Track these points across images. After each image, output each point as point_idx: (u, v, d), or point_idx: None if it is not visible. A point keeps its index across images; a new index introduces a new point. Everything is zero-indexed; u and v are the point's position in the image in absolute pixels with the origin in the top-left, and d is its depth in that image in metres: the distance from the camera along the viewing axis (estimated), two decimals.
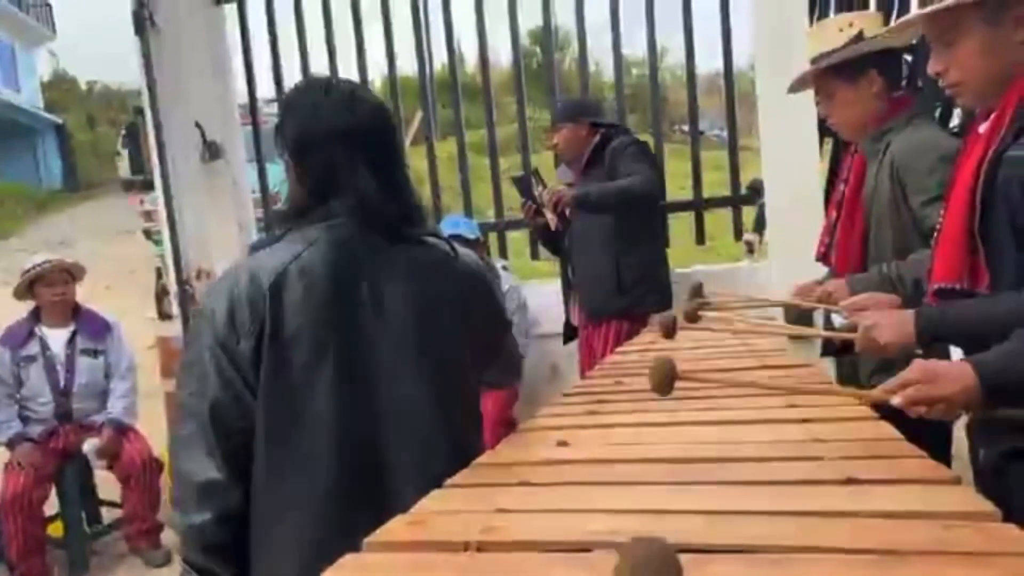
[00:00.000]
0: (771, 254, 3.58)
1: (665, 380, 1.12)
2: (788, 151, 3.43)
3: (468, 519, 0.91)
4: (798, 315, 2.60)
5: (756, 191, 3.76)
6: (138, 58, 3.70)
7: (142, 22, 3.63)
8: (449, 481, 1.07)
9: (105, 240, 11.50)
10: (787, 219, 3.41)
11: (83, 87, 24.33)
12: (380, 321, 1.20)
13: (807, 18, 3.36)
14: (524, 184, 3.20)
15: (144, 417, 3.71)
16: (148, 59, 3.65)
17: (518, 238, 4.27)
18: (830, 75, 1.90)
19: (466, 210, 4.09)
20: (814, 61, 1.92)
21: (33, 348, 3.36)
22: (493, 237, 4.25)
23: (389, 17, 3.96)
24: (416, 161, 4.42)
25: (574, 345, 3.66)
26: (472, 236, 3.38)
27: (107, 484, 3.64)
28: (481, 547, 0.84)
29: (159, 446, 3.80)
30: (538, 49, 13.56)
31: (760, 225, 3.85)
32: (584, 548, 0.83)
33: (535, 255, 4.15)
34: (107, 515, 3.73)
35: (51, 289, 3.40)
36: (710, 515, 0.89)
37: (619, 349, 2.24)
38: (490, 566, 0.82)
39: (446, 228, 3.38)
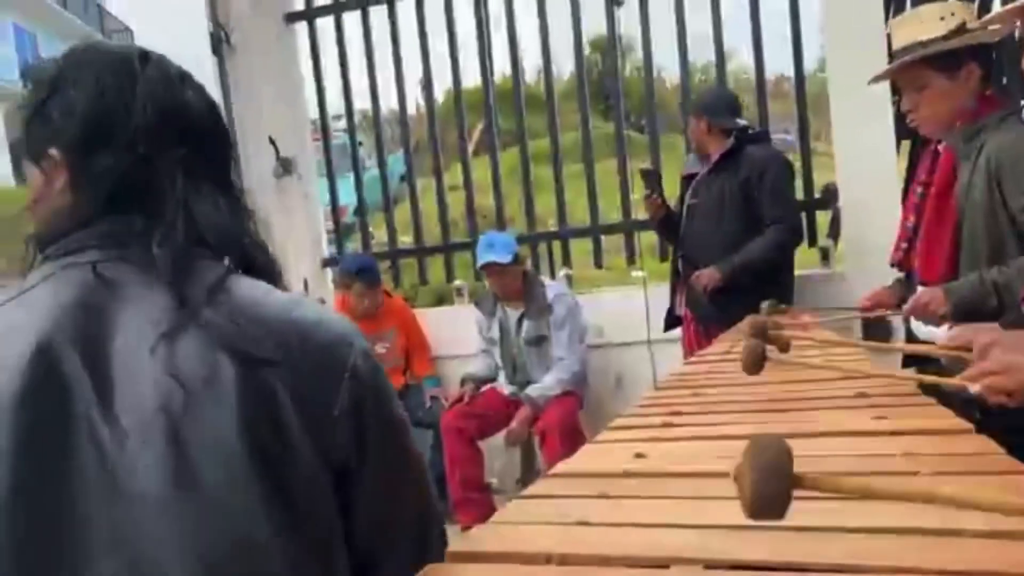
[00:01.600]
0: (846, 260, 3.47)
1: (755, 360, 1.07)
2: (863, 153, 3.32)
3: (549, 531, 0.90)
4: (874, 326, 2.50)
5: (830, 195, 3.64)
6: (214, 78, 3.86)
7: (218, 43, 3.79)
8: (528, 491, 1.06)
9: None
10: (863, 224, 3.30)
11: None
12: (112, 433, 0.67)
13: (882, 13, 3.25)
14: (652, 177, 3.18)
15: None
16: (224, 79, 3.80)
17: (581, 246, 4.26)
18: (924, 66, 1.81)
19: (528, 221, 4.10)
20: (904, 51, 1.83)
21: None
22: (557, 246, 4.25)
23: (454, 30, 4.01)
24: (479, 172, 4.48)
25: (641, 354, 3.62)
26: (506, 260, 3.32)
27: None
28: (563, 560, 0.83)
29: None
30: (599, 57, 13.51)
31: (835, 230, 3.73)
32: (663, 564, 0.82)
33: (598, 264, 4.12)
34: None
35: None
36: (798, 531, 0.86)
37: (691, 359, 2.20)
38: None
39: (480, 254, 3.36)
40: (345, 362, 0.76)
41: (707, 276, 2.95)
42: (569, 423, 3.22)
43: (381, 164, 4.40)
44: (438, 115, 4.35)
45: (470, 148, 4.49)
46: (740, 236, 2.95)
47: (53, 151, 0.79)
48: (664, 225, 3.29)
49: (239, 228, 0.84)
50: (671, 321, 3.34)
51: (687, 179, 3.20)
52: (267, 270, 0.85)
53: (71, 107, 0.78)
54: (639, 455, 1.20)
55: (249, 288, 0.79)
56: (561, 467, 1.15)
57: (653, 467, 1.14)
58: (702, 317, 3.07)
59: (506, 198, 4.22)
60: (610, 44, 4.09)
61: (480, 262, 3.37)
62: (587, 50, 14.40)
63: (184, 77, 0.85)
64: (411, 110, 4.73)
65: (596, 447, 1.28)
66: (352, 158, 4.44)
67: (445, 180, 4.28)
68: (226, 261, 0.81)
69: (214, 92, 4.17)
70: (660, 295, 3.55)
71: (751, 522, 0.91)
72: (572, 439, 3.09)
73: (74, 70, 0.80)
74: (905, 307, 1.80)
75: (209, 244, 0.79)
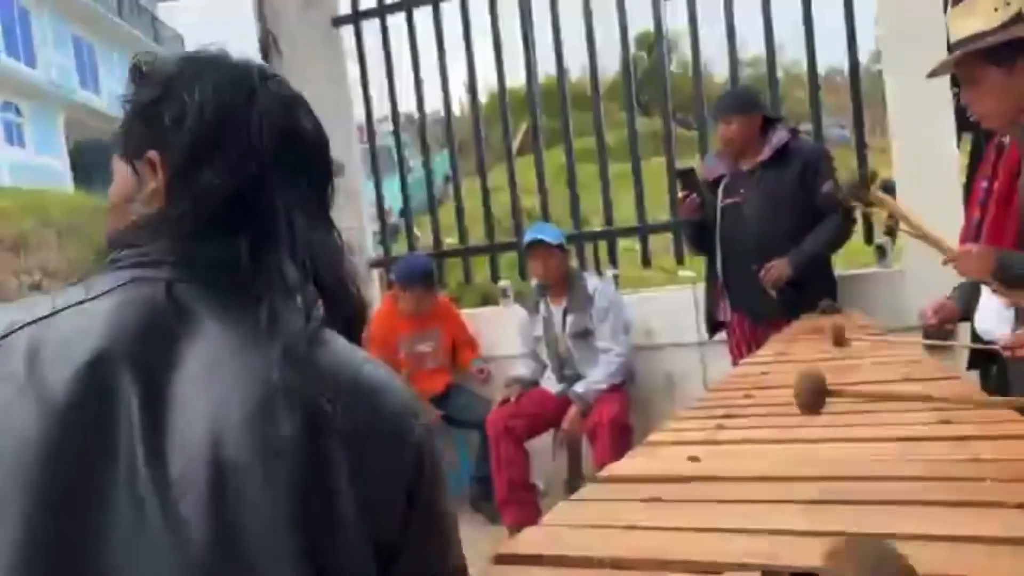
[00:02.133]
0: (905, 258, 3.36)
1: (814, 396, 1.03)
2: (922, 147, 3.21)
3: (601, 534, 0.89)
4: (936, 333, 2.41)
5: (887, 191, 3.53)
6: None
7: (267, 48, 3.85)
8: (579, 494, 1.04)
9: None
10: (923, 220, 3.19)
11: None
12: (154, 476, 0.61)
13: (940, 2, 3.14)
14: (690, 177, 3.13)
15: None
16: None
17: (627, 246, 4.22)
18: (980, 59, 1.73)
19: (574, 219, 4.08)
20: (960, 44, 1.76)
21: None
22: (603, 245, 4.22)
23: (499, 30, 4.02)
24: (524, 172, 4.48)
25: (691, 356, 3.57)
26: (554, 241, 3.35)
27: None
28: (616, 564, 0.82)
29: None
30: (644, 55, 13.38)
31: (891, 229, 3.62)
32: (717, 570, 0.80)
33: (646, 263, 4.07)
34: None
35: None
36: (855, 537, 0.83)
37: (745, 360, 2.15)
38: None
39: (528, 235, 3.43)
40: (410, 436, 0.70)
41: (778, 269, 2.87)
42: (619, 420, 3.18)
43: (426, 165, 4.43)
44: (482, 115, 4.34)
45: (514, 148, 4.48)
46: (800, 230, 2.89)
47: (153, 154, 0.73)
48: (695, 228, 3.19)
49: (343, 265, 0.77)
50: (714, 325, 3.27)
51: (714, 183, 3.11)
52: (358, 315, 0.78)
53: (183, 113, 0.72)
54: (692, 458, 1.18)
55: (326, 339, 0.71)
56: (612, 470, 1.14)
57: (707, 471, 1.11)
58: (761, 315, 2.97)
59: (551, 197, 4.19)
60: (658, 40, 4.04)
61: (527, 239, 3.39)
62: (632, 46, 14.35)
63: (301, 102, 0.80)
64: (455, 111, 4.74)
65: (648, 449, 1.26)
66: (397, 160, 4.48)
67: (490, 180, 4.29)
68: (319, 303, 0.72)
69: None
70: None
71: (807, 527, 0.89)
72: (623, 436, 3.08)
73: (192, 76, 0.75)
74: (948, 255, 1.76)
75: (315, 280, 0.72)
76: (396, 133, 4.48)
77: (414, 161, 6.53)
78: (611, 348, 3.31)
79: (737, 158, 3.06)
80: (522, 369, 3.59)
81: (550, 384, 3.48)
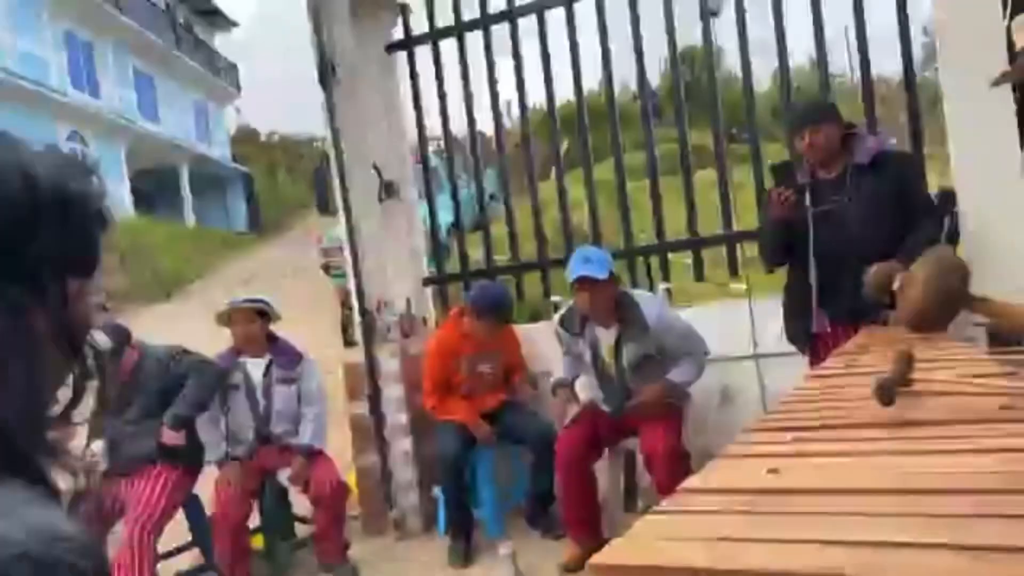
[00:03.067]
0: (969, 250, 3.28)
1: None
2: (983, 155, 3.15)
3: (692, 546, 0.90)
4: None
5: (947, 200, 3.46)
6: (322, 108, 4.05)
7: (326, 75, 3.97)
8: (664, 505, 1.06)
9: (285, 276, 12.56)
10: (985, 230, 3.13)
11: (263, 138, 26.93)
12: None
13: (1000, 9, 3.09)
14: (786, 171, 3.07)
15: (331, 438, 3.99)
16: (332, 109, 3.99)
17: (678, 261, 4.20)
18: None
19: (625, 236, 4.08)
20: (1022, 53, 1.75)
21: (237, 377, 3.71)
22: (655, 260, 4.21)
23: (547, 47, 4.08)
24: (573, 188, 4.51)
25: (747, 369, 3.54)
26: (603, 276, 3.16)
27: (301, 500, 3.96)
28: (710, 574, 0.83)
29: (345, 467, 4.08)
30: (689, 69, 13.38)
31: (952, 237, 3.54)
32: None
33: (699, 277, 4.06)
34: (301, 529, 4.04)
35: (239, 326, 3.73)
36: (953, 550, 0.83)
37: (814, 372, 2.13)
38: None
39: (575, 268, 3.20)
40: None
41: (893, 269, 2.77)
42: (675, 447, 3.12)
43: (478, 183, 4.50)
44: (532, 132, 4.40)
45: (563, 163, 4.53)
46: (896, 232, 2.85)
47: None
48: (783, 229, 3.03)
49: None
50: (803, 338, 3.09)
51: (799, 191, 3.05)
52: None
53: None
54: (772, 471, 1.18)
55: None
56: (695, 482, 1.15)
57: (789, 483, 1.12)
58: (863, 318, 2.81)
59: (600, 213, 4.21)
60: (706, 54, 4.05)
61: (573, 276, 3.20)
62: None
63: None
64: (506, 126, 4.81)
65: (726, 462, 1.27)
66: (449, 179, 4.55)
67: (540, 195, 4.33)
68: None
69: (310, 123, 4.36)
70: (766, 308, 3.45)
71: (896, 538, 0.89)
72: (680, 463, 3.01)
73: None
74: None
75: None
76: (448, 153, 4.57)
77: (461, 180, 6.63)
78: (690, 352, 3.29)
79: (820, 167, 3.03)
80: (563, 371, 3.57)
81: (593, 395, 3.45)
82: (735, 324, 3.59)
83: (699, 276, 3.99)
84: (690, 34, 4.01)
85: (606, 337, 3.34)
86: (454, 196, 4.47)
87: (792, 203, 2.93)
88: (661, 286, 3.99)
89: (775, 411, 1.58)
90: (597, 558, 0.89)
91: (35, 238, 0.59)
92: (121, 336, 3.47)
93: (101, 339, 3.31)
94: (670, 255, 4.13)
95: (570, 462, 3.28)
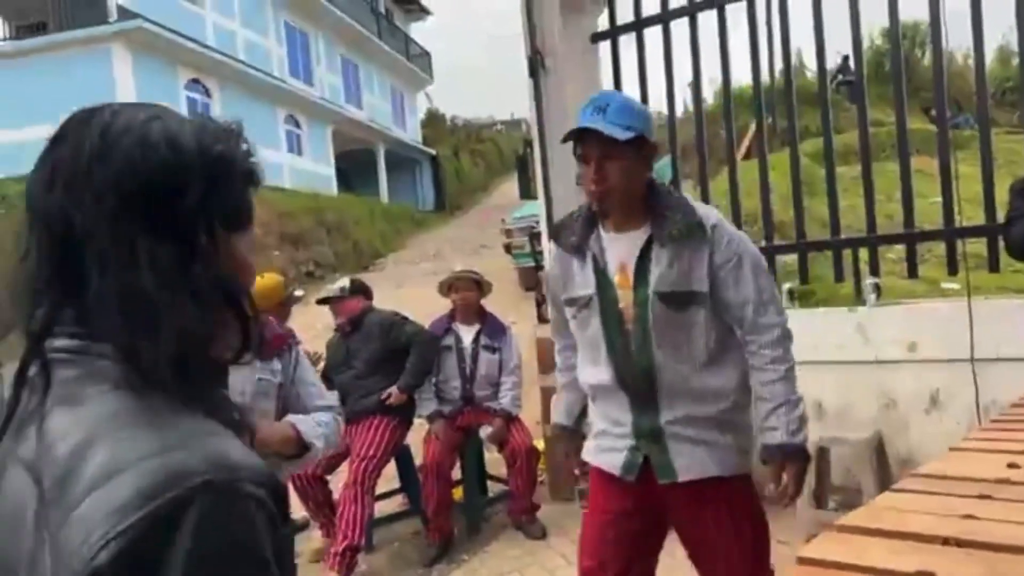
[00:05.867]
0: None
1: None
2: None
3: (939, 520, 0.98)
4: None
5: None
6: (529, 97, 4.28)
7: (535, 66, 4.20)
8: (898, 486, 1.14)
9: (467, 254, 13.21)
10: None
11: (448, 123, 28.26)
12: None
13: None
14: None
15: (524, 406, 4.27)
16: (539, 98, 4.21)
17: (891, 255, 4.00)
18: None
19: (832, 227, 3.95)
20: None
21: (449, 340, 4.08)
22: (863, 253, 4.04)
23: (755, 32, 4.03)
24: (776, 173, 4.42)
25: (961, 373, 3.35)
26: (621, 136, 1.78)
27: (493, 462, 4.28)
28: (960, 544, 0.91)
29: (536, 434, 4.35)
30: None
31: None
32: None
33: (912, 273, 3.85)
34: (492, 488, 4.37)
35: (459, 294, 4.10)
36: None
37: None
38: (968, 558, 0.89)
39: (580, 117, 1.79)
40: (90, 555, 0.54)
41: None
42: None
43: (674, 165, 4.53)
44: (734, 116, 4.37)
45: (740, 152, 4.45)
46: None
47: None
48: None
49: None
50: None
51: None
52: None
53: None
54: (1012, 465, 1.21)
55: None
56: (932, 468, 1.21)
57: None
58: None
59: (783, 203, 4.10)
60: (892, 31, 3.79)
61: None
62: (879, 40, 13.16)
63: None
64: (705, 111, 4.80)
65: (962, 454, 1.31)
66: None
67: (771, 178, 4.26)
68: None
69: (532, 111, 4.61)
70: (987, 309, 3.24)
71: None
72: None
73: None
74: None
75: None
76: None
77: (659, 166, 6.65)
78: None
79: None
80: None
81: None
82: (950, 324, 3.39)
83: (912, 272, 3.79)
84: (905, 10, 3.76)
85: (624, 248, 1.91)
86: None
87: None
88: (869, 281, 3.83)
89: (1005, 413, 1.57)
90: (843, 519, 0.99)
91: (183, 196, 0.65)
92: (357, 285, 4.06)
93: (343, 283, 4.06)
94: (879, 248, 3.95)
95: None
